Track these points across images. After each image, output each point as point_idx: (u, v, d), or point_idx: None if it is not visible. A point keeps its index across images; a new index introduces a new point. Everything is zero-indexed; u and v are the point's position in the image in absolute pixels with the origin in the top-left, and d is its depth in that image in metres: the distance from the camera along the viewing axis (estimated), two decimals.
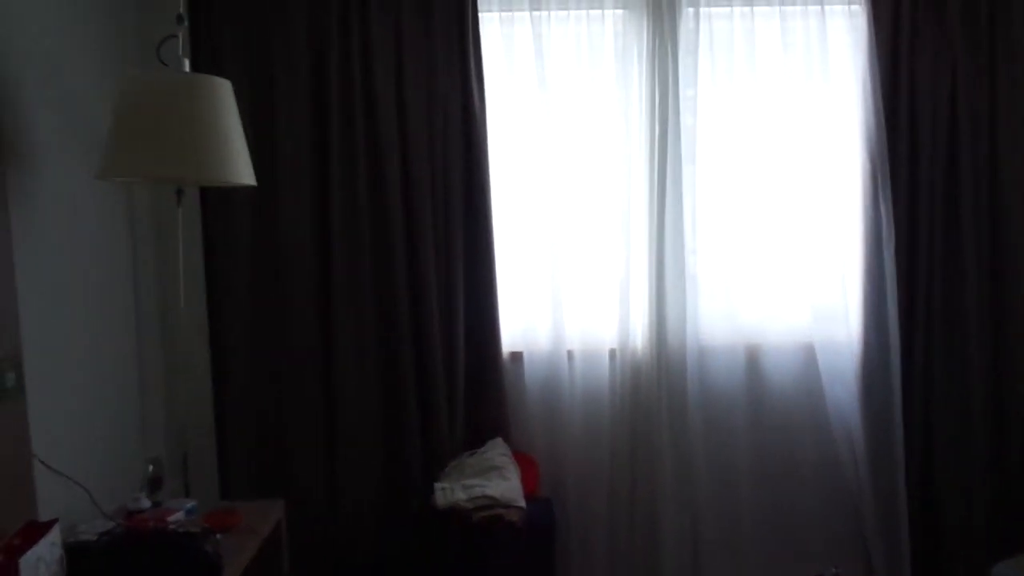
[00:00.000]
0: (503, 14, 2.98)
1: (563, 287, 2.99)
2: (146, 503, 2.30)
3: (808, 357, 3.02)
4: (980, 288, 2.96)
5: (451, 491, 2.60)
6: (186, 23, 2.21)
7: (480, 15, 2.91)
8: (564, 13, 2.97)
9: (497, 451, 2.84)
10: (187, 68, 2.11)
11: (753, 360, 3.05)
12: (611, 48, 2.97)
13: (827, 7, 2.96)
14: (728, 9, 2.96)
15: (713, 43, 2.96)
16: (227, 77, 2.12)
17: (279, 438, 2.90)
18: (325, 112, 2.84)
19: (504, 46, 2.98)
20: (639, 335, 3.01)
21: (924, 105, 2.93)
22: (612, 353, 3.00)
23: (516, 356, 3.03)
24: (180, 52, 2.11)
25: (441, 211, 2.91)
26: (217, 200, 2.84)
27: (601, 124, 3.00)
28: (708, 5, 2.96)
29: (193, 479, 2.72)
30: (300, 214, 2.86)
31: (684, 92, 2.92)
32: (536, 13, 2.94)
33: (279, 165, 2.84)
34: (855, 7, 2.97)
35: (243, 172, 2.10)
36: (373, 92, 2.84)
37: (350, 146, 2.84)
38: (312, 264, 2.87)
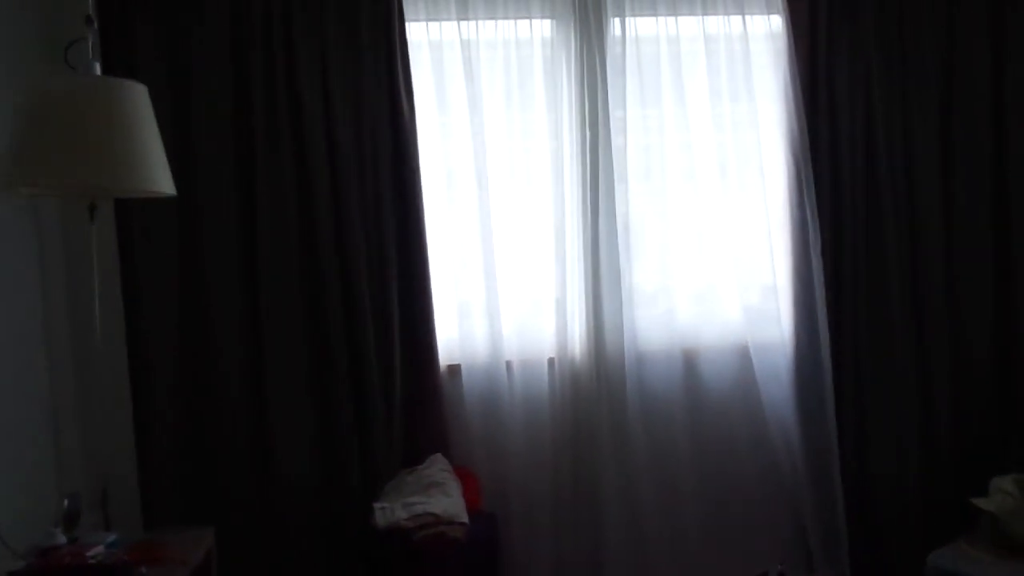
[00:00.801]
0: (431, 24, 2.94)
1: (500, 298, 2.96)
2: (62, 539, 2.14)
3: (743, 358, 3.06)
4: (902, 283, 3.05)
5: (391, 510, 2.51)
6: (96, 25, 2.10)
7: (408, 24, 2.87)
8: (492, 23, 2.95)
9: (437, 467, 2.77)
10: (98, 72, 1.99)
11: (690, 363, 3.07)
12: (540, 68, 2.98)
13: (747, 16, 3.04)
14: (654, 29, 3.00)
15: (641, 64, 3.00)
16: (142, 82, 2.02)
17: (208, 465, 2.76)
18: (248, 120, 2.74)
19: (432, 64, 2.95)
20: (577, 343, 2.99)
21: (843, 107, 3.02)
22: (551, 362, 2.98)
23: (454, 369, 2.97)
24: (90, 55, 1.99)
25: (372, 223, 2.84)
26: (135, 215, 2.70)
27: (533, 140, 3.01)
28: (633, 14, 3.00)
29: (115, 512, 2.55)
30: (224, 228, 2.76)
31: (614, 113, 2.96)
32: (464, 23, 2.92)
33: (201, 176, 2.72)
34: (774, 16, 3.07)
35: (160, 180, 1.99)
36: (298, 99, 2.76)
37: (276, 156, 2.75)
38: (239, 281, 2.77)
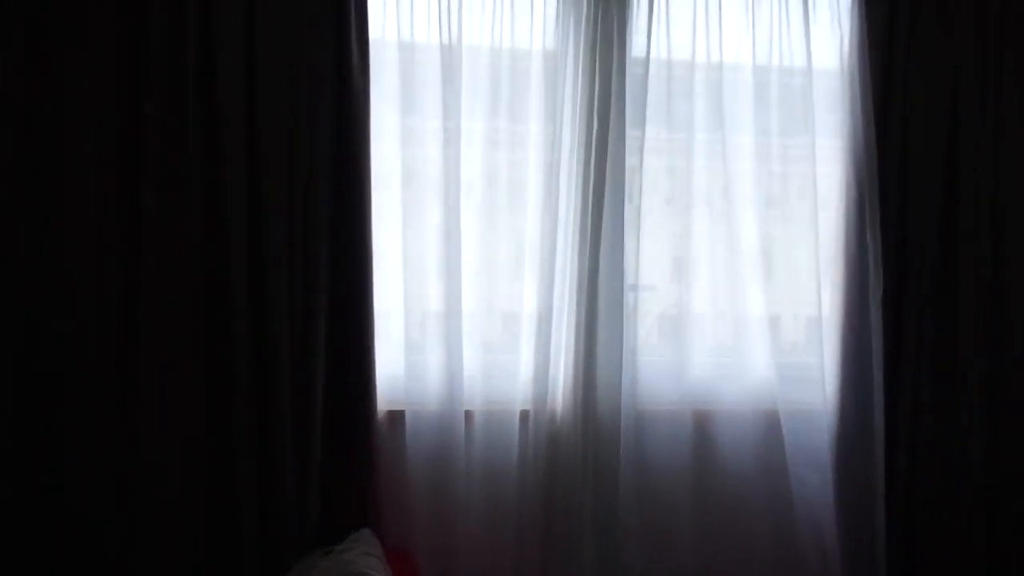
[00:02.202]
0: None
1: (463, 327, 2.48)
2: None
3: (771, 428, 2.60)
4: (977, 346, 2.59)
5: None
6: None
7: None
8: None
9: (361, 549, 2.25)
10: None
11: (703, 430, 2.61)
12: (539, 79, 2.52)
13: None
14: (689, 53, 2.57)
15: (670, 86, 2.57)
16: None
17: (59, 542, 2.17)
18: (142, 74, 2.17)
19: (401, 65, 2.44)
20: (560, 394, 2.55)
21: (918, 123, 2.60)
22: (524, 416, 2.52)
23: (395, 416, 2.48)
24: None
25: (300, 222, 2.32)
26: None
27: (521, 152, 2.56)
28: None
29: None
30: (95, 218, 2.19)
31: (630, 132, 2.54)
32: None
33: (65, 143, 2.16)
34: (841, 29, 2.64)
35: None
36: (212, 53, 2.22)
37: (175, 127, 2.20)
38: (110, 277, 2.21)
